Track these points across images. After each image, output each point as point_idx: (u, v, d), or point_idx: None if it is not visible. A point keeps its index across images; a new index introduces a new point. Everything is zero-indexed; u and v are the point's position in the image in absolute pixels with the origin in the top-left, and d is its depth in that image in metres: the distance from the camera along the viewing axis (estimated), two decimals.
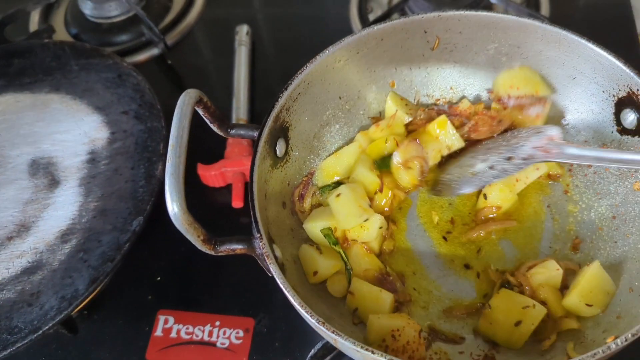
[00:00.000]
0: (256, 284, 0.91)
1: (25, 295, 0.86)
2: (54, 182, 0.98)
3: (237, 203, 1.00)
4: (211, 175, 1.01)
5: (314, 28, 1.29)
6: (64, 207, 0.95)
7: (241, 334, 0.87)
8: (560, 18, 1.18)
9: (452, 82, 0.95)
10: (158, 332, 0.89)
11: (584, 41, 0.76)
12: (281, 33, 1.29)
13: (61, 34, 1.31)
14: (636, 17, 1.20)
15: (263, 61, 1.23)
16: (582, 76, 0.81)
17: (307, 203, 0.88)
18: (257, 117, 1.12)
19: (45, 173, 1.00)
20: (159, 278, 0.95)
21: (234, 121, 1.09)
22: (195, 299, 0.93)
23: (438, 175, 0.90)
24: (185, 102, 0.69)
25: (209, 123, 0.78)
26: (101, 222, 0.91)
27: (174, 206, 0.63)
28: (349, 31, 1.23)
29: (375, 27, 0.84)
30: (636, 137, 0.78)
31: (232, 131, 0.80)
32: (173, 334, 0.88)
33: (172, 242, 0.97)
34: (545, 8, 1.22)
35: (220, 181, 1.03)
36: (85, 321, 0.92)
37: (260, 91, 1.17)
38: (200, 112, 0.75)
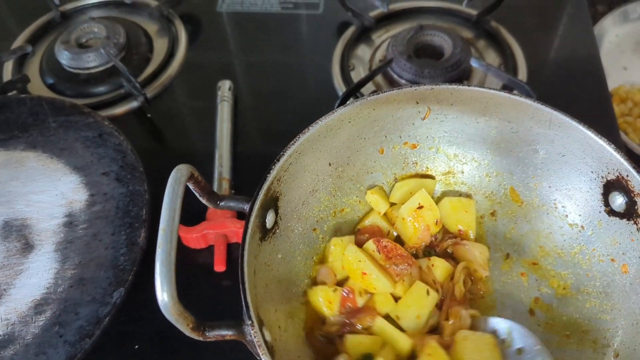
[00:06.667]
0: (239, 353, 0.88)
1: None
2: (27, 246, 0.94)
3: (219, 267, 0.97)
4: (193, 237, 0.98)
5: (295, 78, 1.29)
6: (38, 274, 0.90)
7: None
8: (536, 81, 1.21)
9: (440, 151, 0.95)
10: None
11: (574, 123, 0.77)
12: (262, 84, 1.28)
13: (36, 84, 1.26)
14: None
15: (243, 113, 1.22)
16: (571, 155, 0.81)
17: None
18: (239, 173, 1.10)
19: (18, 236, 0.95)
20: (136, 346, 0.90)
21: (216, 179, 1.07)
22: None
23: None
24: (177, 180, 0.67)
25: (198, 196, 0.76)
26: (79, 292, 0.86)
27: (164, 296, 0.60)
28: (330, 84, 1.24)
29: (368, 98, 0.84)
30: (624, 220, 0.77)
31: (222, 203, 0.77)
32: None
33: (152, 308, 0.93)
34: (522, 71, 1.24)
35: (202, 243, 1.00)
36: None
37: (242, 145, 1.16)
38: (191, 186, 0.72)
